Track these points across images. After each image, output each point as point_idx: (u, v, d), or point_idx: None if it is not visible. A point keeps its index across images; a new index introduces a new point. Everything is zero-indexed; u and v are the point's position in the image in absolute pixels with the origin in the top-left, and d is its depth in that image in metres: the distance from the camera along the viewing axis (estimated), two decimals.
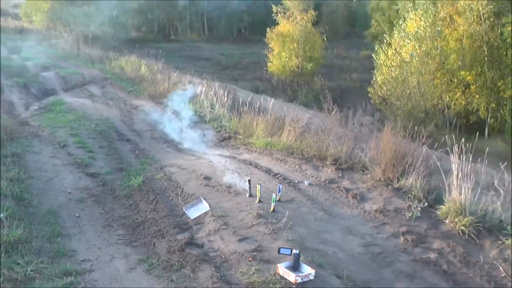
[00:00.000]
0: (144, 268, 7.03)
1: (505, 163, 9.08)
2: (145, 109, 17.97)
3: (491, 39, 20.94)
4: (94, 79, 25.21)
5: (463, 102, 21.30)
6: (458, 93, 21.36)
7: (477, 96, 20.91)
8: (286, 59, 32.24)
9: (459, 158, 8.95)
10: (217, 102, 18.00)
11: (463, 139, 9.14)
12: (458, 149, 9.00)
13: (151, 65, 27.25)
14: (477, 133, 21.03)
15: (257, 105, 15.52)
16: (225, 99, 17.91)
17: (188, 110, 18.11)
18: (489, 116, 21.16)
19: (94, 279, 6.82)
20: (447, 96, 21.43)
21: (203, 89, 19.49)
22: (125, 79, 25.33)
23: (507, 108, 20.64)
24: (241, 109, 16.11)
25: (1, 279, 6.47)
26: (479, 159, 9.40)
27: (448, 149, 9.26)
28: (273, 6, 32.78)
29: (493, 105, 20.86)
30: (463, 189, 8.60)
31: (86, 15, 40.44)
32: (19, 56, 31.06)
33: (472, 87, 21.00)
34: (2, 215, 8.34)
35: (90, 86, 23.63)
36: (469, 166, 8.84)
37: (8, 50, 33.98)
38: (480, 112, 20.99)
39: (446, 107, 21.91)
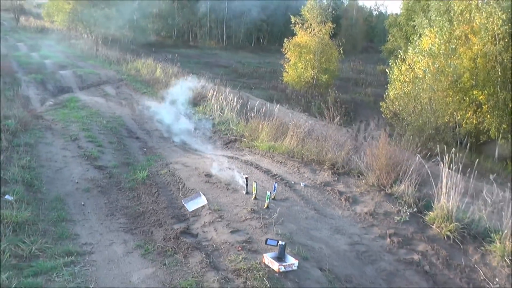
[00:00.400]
0: (140, 253, 7.47)
1: (494, 175, 9.44)
2: (156, 109, 18.48)
3: (505, 60, 20.97)
4: (110, 79, 25.88)
5: (474, 121, 21.26)
6: (469, 112, 21.29)
7: (488, 116, 20.84)
8: (302, 70, 32.46)
9: (449, 168, 9.31)
10: (227, 106, 18.49)
11: (453, 149, 9.49)
12: (448, 159, 9.34)
13: (166, 68, 27.89)
14: (487, 152, 21.50)
15: (263, 110, 16.02)
16: (235, 104, 18.41)
17: (198, 113, 18.67)
18: (499, 137, 21.17)
19: (93, 259, 7.28)
20: (458, 115, 21.41)
21: (214, 93, 20.03)
22: (140, 81, 25.98)
23: None
24: (249, 114, 16.57)
25: (8, 254, 6.96)
26: (476, 175, 9.69)
27: (438, 158, 9.62)
28: (292, 16, 33.09)
29: (504, 126, 20.84)
30: (451, 197, 8.95)
31: (106, 18, 41.24)
32: (39, 54, 31.91)
33: (484, 106, 20.96)
34: (8, 197, 8.88)
35: (105, 86, 24.29)
36: (458, 176, 9.20)
37: (28, 48, 34.94)
38: (490, 132, 20.99)
39: (457, 125, 21.93)
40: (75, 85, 23.68)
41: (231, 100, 18.63)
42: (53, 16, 46.88)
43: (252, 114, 16.39)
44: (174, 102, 19.30)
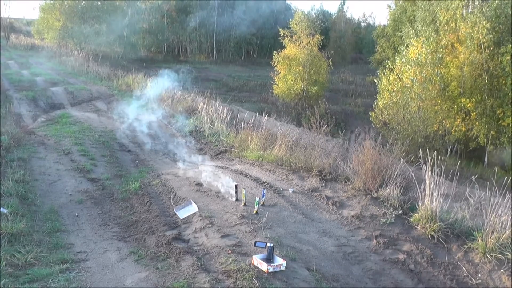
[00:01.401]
0: (133, 259, 7.68)
1: (476, 176, 9.76)
2: (147, 123, 18.71)
3: (491, 68, 21.38)
4: (101, 95, 26.16)
5: (463, 128, 21.63)
6: (458, 120, 21.65)
7: (477, 123, 21.22)
8: (292, 82, 32.60)
9: (432, 171, 9.62)
10: (217, 118, 18.77)
11: (435, 152, 9.82)
12: (431, 162, 9.65)
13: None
14: (476, 159, 21.80)
15: (252, 121, 16.33)
16: (224, 116, 18.69)
17: (189, 125, 18.94)
18: (488, 143, 21.52)
19: (88, 266, 7.50)
20: (447, 122, 21.73)
21: (204, 106, 20.33)
22: (131, 96, 26.17)
23: (506, 136, 20.95)
24: (239, 126, 16.86)
25: (4, 263, 7.16)
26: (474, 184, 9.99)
27: (421, 161, 9.93)
28: (280, 29, 33.39)
29: (493, 133, 21.20)
30: (434, 198, 9.25)
31: (97, 34, 41.67)
32: (29, 71, 32.15)
33: (472, 114, 21.34)
34: (3, 210, 9.09)
35: (96, 102, 24.56)
36: (441, 178, 9.52)
37: (19, 65, 35.19)
38: (479, 139, 21.33)
39: (446, 133, 22.25)
40: (66, 102, 23.92)
41: (221, 112, 18.93)
42: (43, 33, 47.27)
43: (242, 126, 16.69)
44: (165, 115, 19.59)
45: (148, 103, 23.28)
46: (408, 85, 21.91)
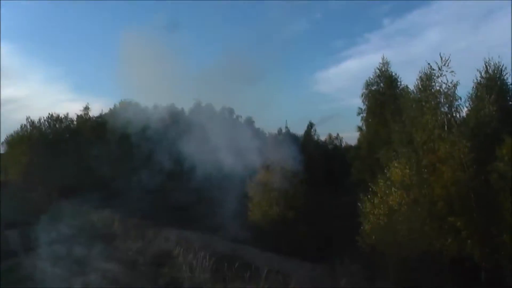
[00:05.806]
0: None
1: None
2: (115, 275, 16.44)
3: (477, 186, 20.38)
4: (62, 236, 23.77)
5: (455, 247, 20.16)
6: (449, 239, 20.30)
7: (469, 241, 19.85)
8: (267, 208, 31.33)
9: None
10: (198, 266, 16.45)
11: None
12: None
13: (124, 220, 25.97)
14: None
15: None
16: (207, 263, 16.37)
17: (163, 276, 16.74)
18: (484, 261, 19.95)
19: None
20: (438, 243, 20.27)
21: (181, 250, 18.15)
22: (96, 236, 23.88)
23: (503, 253, 19.44)
24: (227, 273, 14.74)
25: None
26: None
27: None
28: None
29: (487, 250, 19.69)
30: None
31: (64, 167, 40.07)
32: None
33: (462, 233, 19.99)
34: None
35: (56, 245, 22.13)
36: None
37: None
38: (475, 257, 19.77)
39: (439, 253, 20.69)
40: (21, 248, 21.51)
41: (203, 257, 16.60)
42: (8, 168, 45.46)
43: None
44: (134, 263, 17.37)
45: (116, 245, 21.12)
46: (396, 208, 20.60)
